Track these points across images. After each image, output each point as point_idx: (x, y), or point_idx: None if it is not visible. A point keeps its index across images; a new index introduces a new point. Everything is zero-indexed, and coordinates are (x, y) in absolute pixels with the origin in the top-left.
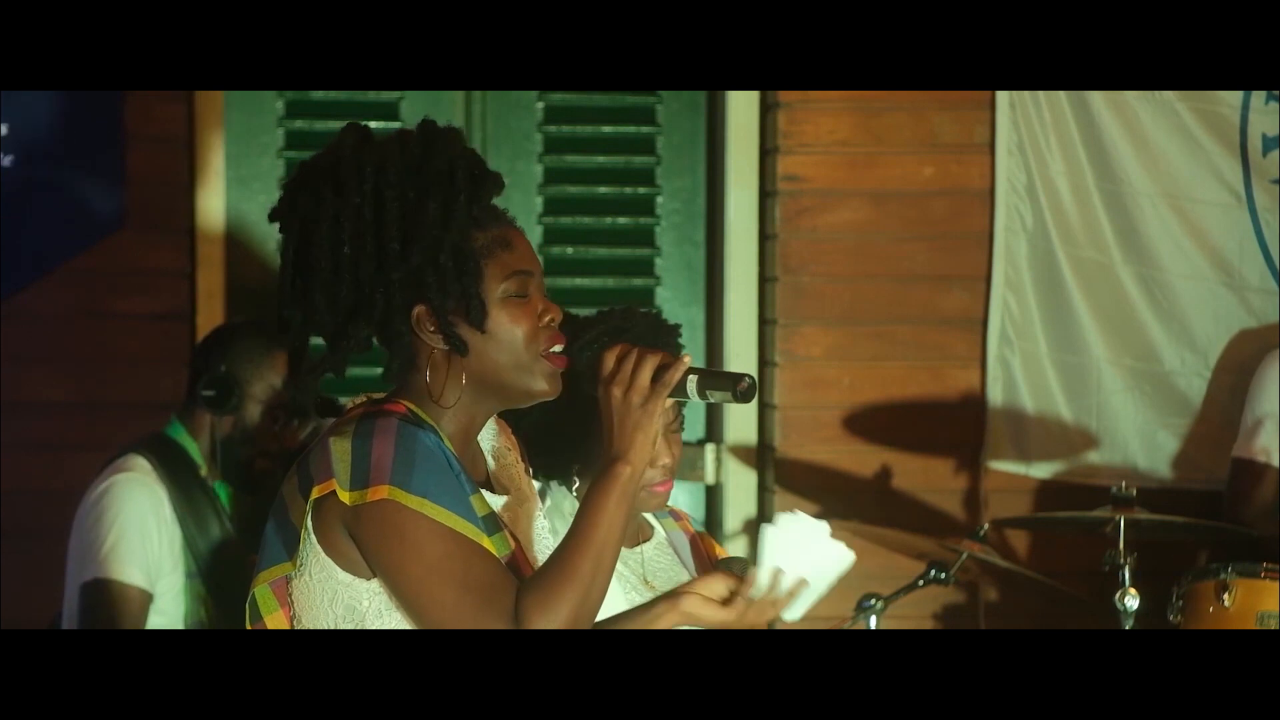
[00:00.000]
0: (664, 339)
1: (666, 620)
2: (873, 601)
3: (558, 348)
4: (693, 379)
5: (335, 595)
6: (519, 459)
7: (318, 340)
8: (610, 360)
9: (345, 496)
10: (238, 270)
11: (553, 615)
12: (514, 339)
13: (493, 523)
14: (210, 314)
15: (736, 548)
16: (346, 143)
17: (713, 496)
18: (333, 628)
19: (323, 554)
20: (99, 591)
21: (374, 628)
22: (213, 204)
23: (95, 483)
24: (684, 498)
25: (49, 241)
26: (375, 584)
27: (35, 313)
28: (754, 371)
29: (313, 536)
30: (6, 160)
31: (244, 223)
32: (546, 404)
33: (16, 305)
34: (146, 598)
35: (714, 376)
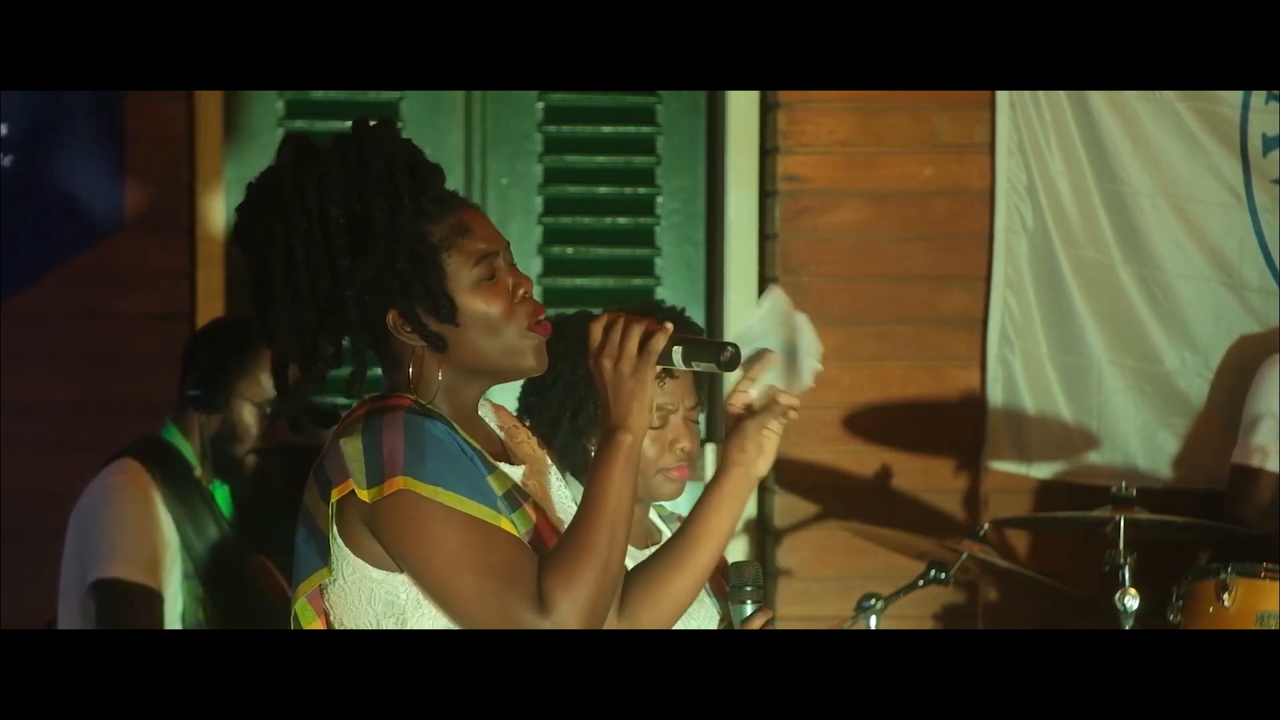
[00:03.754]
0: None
1: (744, 494)
2: (873, 601)
3: (538, 318)
4: (678, 348)
5: (372, 593)
6: (526, 433)
7: None
8: (598, 331)
9: (364, 495)
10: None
11: (576, 590)
12: (492, 322)
13: (514, 498)
14: (210, 314)
15: (736, 547)
16: (285, 160)
17: None
18: (375, 625)
19: (352, 556)
20: (110, 590)
21: (415, 619)
22: (213, 204)
23: (87, 489)
24: (684, 498)
25: (49, 241)
26: (407, 576)
27: (35, 313)
28: None
29: (339, 540)
30: (6, 160)
31: None
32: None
33: (16, 305)
34: (156, 596)
35: (698, 345)
